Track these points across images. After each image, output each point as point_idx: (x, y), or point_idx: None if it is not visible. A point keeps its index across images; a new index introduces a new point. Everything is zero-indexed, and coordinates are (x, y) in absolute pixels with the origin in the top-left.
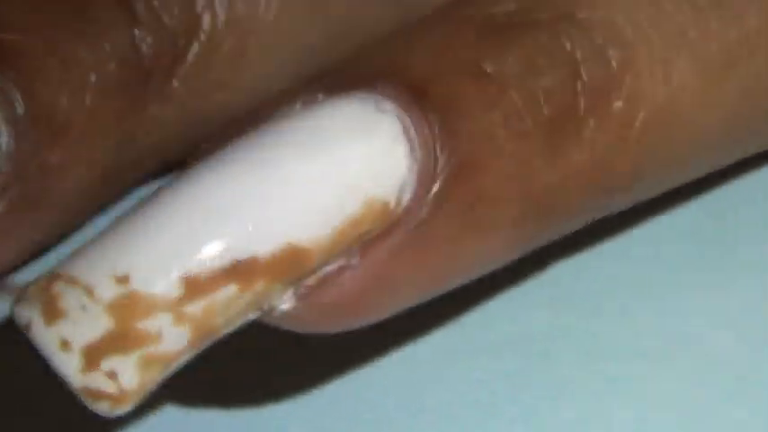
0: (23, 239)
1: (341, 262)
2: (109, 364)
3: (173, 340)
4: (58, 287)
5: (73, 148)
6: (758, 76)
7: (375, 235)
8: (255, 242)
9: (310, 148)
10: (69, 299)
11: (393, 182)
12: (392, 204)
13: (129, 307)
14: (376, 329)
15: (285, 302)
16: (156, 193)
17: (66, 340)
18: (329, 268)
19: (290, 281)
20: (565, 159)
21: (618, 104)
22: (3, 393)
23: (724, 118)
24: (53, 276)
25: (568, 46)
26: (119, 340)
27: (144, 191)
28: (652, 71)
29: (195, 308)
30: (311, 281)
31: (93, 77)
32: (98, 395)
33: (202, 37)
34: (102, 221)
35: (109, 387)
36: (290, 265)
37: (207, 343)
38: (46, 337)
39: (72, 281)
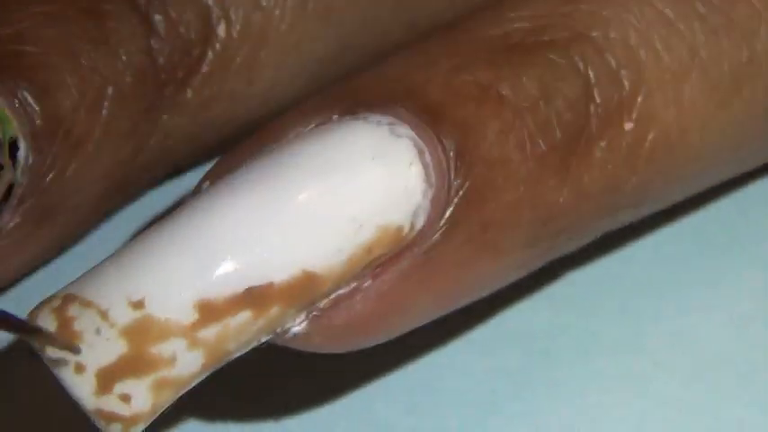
0: (36, 249)
1: (353, 284)
2: (122, 387)
3: (186, 364)
4: (73, 310)
5: (89, 160)
6: (766, 94)
7: (387, 258)
8: (269, 269)
9: (325, 173)
10: (84, 322)
11: (407, 207)
12: (406, 229)
13: (143, 331)
14: None
15: (297, 325)
16: (171, 217)
17: (80, 363)
18: (341, 291)
19: (303, 306)
20: (577, 181)
21: (629, 125)
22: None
23: (732, 137)
24: (68, 298)
25: (582, 67)
26: (133, 364)
27: (153, 194)
28: (663, 92)
29: (209, 333)
30: (323, 303)
31: (110, 90)
32: (111, 417)
33: (217, 47)
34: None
35: (122, 410)
36: (303, 291)
37: (219, 366)
38: (60, 359)
39: (87, 304)
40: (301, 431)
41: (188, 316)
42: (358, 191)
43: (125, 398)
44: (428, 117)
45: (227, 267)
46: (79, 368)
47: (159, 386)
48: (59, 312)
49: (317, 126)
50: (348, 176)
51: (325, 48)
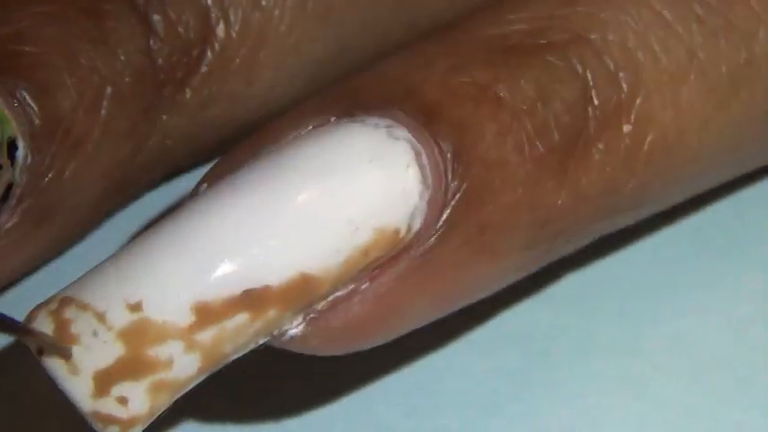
0: (35, 249)
1: (350, 287)
2: (119, 389)
3: (183, 367)
4: (70, 312)
5: (88, 160)
6: (764, 96)
7: (384, 260)
8: (267, 272)
9: (322, 176)
10: (81, 324)
11: (404, 209)
12: (403, 232)
13: (140, 334)
14: None
15: (295, 327)
16: (168, 220)
17: (77, 366)
18: (339, 293)
19: (300, 308)
20: (575, 184)
21: (627, 127)
22: (15, 414)
23: (730, 139)
24: (65, 300)
25: (580, 69)
26: (130, 367)
27: (152, 195)
28: (661, 94)
29: (206, 335)
30: (321, 306)
31: (109, 90)
32: (108, 420)
33: (216, 48)
34: (109, 226)
35: (119, 412)
36: (300, 294)
37: (217, 368)
38: (57, 361)
39: (84, 306)
40: None
41: (185, 318)
42: (355, 193)
43: (122, 400)
44: (425, 118)
45: (223, 270)
46: (76, 371)
47: (156, 389)
48: (56, 315)
49: (314, 128)
50: (345, 179)
51: (325, 48)
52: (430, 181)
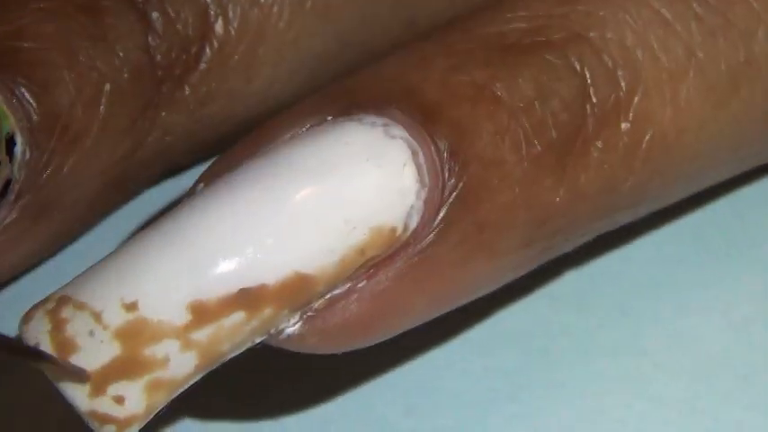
0: (33, 246)
1: (347, 285)
2: (116, 389)
3: (180, 366)
4: (67, 312)
5: (86, 156)
6: (764, 96)
7: (381, 259)
8: (263, 270)
9: (319, 175)
10: (77, 324)
11: (401, 208)
12: (399, 230)
13: (136, 333)
14: None
15: (291, 326)
16: (164, 219)
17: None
18: (336, 291)
19: (296, 307)
20: (573, 182)
21: (626, 125)
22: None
23: (729, 138)
24: (62, 300)
25: (578, 67)
26: (126, 366)
27: (151, 192)
28: (660, 92)
29: (202, 334)
30: (317, 304)
31: (107, 87)
32: (105, 419)
33: (215, 45)
34: (108, 223)
35: (116, 411)
36: (296, 293)
37: (213, 367)
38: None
39: (80, 306)
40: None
41: (181, 317)
42: (352, 193)
43: (119, 399)
44: (422, 117)
45: (219, 268)
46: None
47: (153, 387)
48: (53, 315)
49: (311, 127)
50: (342, 178)
51: (324, 45)
52: (427, 180)
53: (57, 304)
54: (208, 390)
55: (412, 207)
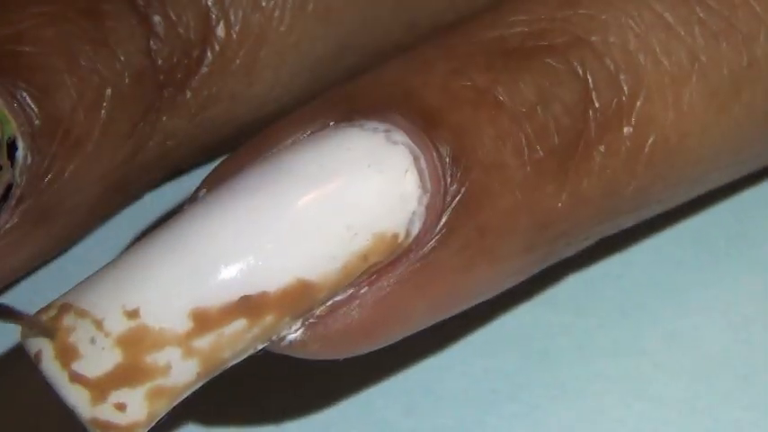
0: (34, 250)
1: (349, 291)
2: (118, 396)
3: (181, 373)
4: (68, 319)
5: (88, 161)
6: (765, 97)
7: (383, 265)
8: (264, 277)
9: (321, 181)
10: (79, 331)
11: (403, 214)
12: (401, 236)
13: (138, 341)
14: None
15: (293, 332)
16: (166, 226)
17: (75, 373)
18: (338, 298)
19: (298, 314)
20: (575, 186)
21: (628, 130)
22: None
23: (731, 141)
24: (64, 307)
25: (581, 71)
26: (128, 373)
27: (153, 196)
28: (663, 96)
29: (204, 342)
30: (319, 311)
31: (109, 91)
32: (107, 426)
33: (216, 48)
34: (109, 227)
35: (118, 418)
36: (298, 300)
37: (215, 374)
38: (56, 369)
39: (82, 314)
40: None
41: (182, 325)
42: (353, 199)
43: (120, 407)
44: (424, 122)
45: (221, 276)
46: (74, 378)
47: (154, 395)
48: (55, 322)
49: (313, 133)
50: (344, 184)
51: (325, 48)
52: (429, 185)
53: (58, 312)
54: (209, 395)
55: (414, 213)
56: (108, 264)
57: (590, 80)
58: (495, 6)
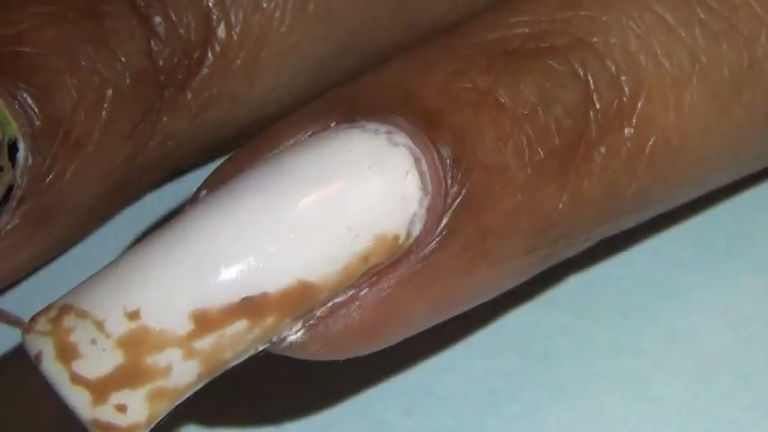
0: (35, 250)
1: (350, 293)
2: (118, 397)
3: (182, 374)
4: (69, 320)
5: (88, 162)
6: (765, 97)
7: (384, 266)
8: (265, 279)
9: (321, 183)
10: (80, 332)
11: (403, 216)
12: (402, 238)
13: (139, 342)
14: None
15: (294, 333)
16: (167, 227)
17: (76, 374)
18: (338, 299)
19: (299, 315)
20: (576, 188)
21: (629, 131)
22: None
23: (732, 142)
24: (64, 308)
25: (582, 73)
26: (129, 374)
27: (153, 196)
28: (663, 97)
29: (205, 343)
30: (320, 312)
31: (109, 91)
32: (107, 427)
33: (217, 49)
34: (110, 227)
35: (118, 420)
36: (299, 301)
37: (216, 375)
38: (56, 370)
39: (83, 314)
40: None
41: (183, 326)
42: (354, 200)
43: (121, 408)
44: (425, 124)
45: (222, 277)
46: (75, 379)
47: (155, 396)
48: (56, 323)
49: (314, 134)
50: (344, 186)
51: (326, 48)
52: (429, 187)
53: (59, 313)
54: (210, 396)
55: (415, 214)
56: (109, 264)
57: (591, 81)
58: (496, 7)
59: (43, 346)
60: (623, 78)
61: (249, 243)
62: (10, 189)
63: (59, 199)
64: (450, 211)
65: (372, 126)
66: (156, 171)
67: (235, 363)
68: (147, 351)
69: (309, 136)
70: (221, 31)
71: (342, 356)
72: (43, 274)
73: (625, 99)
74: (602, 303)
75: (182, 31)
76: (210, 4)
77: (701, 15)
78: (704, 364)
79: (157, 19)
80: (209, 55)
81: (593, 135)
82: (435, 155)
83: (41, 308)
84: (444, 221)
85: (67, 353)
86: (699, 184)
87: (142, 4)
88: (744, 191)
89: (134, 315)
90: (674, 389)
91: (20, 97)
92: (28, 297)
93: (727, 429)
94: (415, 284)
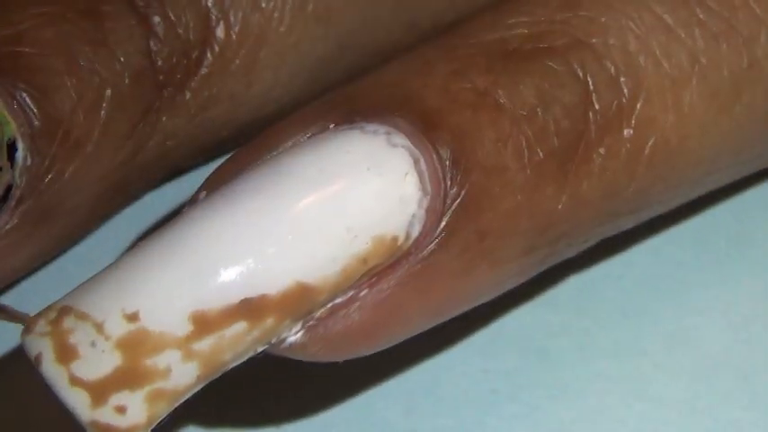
0: (34, 250)
1: (349, 294)
2: (118, 399)
3: (181, 376)
4: (68, 322)
5: (87, 162)
6: (765, 97)
7: (383, 267)
8: (264, 280)
9: (320, 184)
10: (79, 334)
11: (403, 217)
12: (401, 239)
13: (138, 344)
14: None
15: (293, 335)
16: (165, 228)
17: (75, 376)
18: (338, 300)
19: (298, 316)
20: (575, 188)
21: (628, 132)
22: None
23: (732, 142)
24: (64, 310)
25: (581, 74)
26: (128, 376)
27: (152, 196)
28: (663, 98)
29: (204, 344)
30: (319, 313)
31: (108, 91)
32: (106, 429)
33: (216, 49)
34: (109, 227)
35: (117, 421)
36: (298, 303)
37: (215, 376)
38: (56, 371)
39: (82, 316)
40: None
41: (182, 328)
42: (353, 201)
43: (120, 410)
44: (424, 125)
45: (221, 279)
46: (74, 380)
47: (154, 398)
48: (55, 324)
49: (313, 135)
50: (344, 187)
51: (325, 48)
52: (429, 188)
53: (58, 314)
54: (209, 397)
55: (414, 216)
56: (108, 266)
57: (590, 82)
58: (496, 7)
59: (43, 348)
60: (622, 79)
61: (248, 245)
62: (9, 189)
63: (58, 199)
64: (450, 212)
65: (371, 127)
66: (155, 171)
67: (234, 364)
68: (146, 353)
69: (308, 137)
70: (220, 31)
71: (341, 357)
72: (43, 274)
73: (624, 100)
74: (602, 303)
75: (180, 31)
76: (209, 4)
77: (701, 16)
78: (704, 364)
79: (156, 19)
80: (208, 55)
81: (592, 136)
82: (434, 156)
83: (41, 308)
84: (443, 222)
85: (67, 354)
86: (699, 184)
87: (141, 4)
88: (744, 191)
89: (133, 317)
90: (674, 389)
91: (19, 97)
92: (28, 297)
93: (727, 429)
94: (415, 285)
